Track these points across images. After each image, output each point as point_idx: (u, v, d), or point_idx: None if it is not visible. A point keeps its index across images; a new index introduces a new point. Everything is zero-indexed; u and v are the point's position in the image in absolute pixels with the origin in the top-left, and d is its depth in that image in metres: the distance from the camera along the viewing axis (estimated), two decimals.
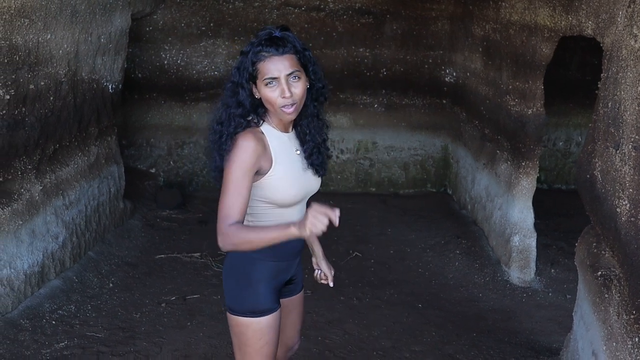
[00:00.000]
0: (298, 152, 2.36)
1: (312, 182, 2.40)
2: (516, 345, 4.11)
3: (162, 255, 5.26)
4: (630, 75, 2.56)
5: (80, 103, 4.78)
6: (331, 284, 2.55)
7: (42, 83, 4.18)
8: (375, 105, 7.15)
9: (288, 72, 2.19)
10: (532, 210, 5.01)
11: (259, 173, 2.23)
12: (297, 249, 2.45)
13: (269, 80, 2.19)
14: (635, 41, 2.53)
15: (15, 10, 3.71)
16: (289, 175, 2.29)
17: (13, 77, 3.81)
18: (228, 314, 2.40)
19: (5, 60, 3.70)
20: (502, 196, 5.30)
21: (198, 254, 5.31)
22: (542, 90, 4.74)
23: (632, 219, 2.38)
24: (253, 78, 2.22)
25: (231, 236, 2.13)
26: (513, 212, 5.04)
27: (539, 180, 7.43)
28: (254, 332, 2.35)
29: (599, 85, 3.21)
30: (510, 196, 5.09)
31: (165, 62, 6.79)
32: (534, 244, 5.00)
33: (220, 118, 2.28)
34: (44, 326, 3.93)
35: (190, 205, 6.53)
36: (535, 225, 5.07)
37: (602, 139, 3.00)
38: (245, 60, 2.23)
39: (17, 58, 3.82)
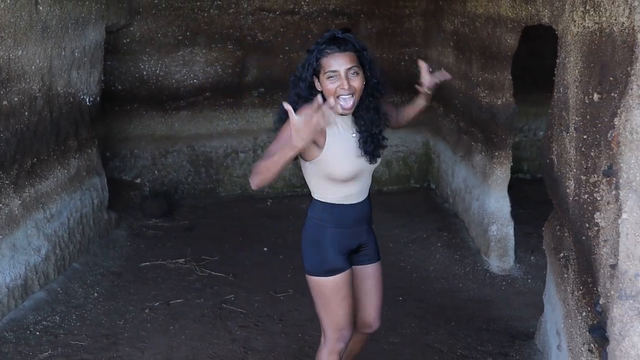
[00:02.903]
0: (354, 135, 2.65)
1: (363, 165, 2.68)
2: (494, 332, 4.18)
3: (147, 263, 5.31)
4: (572, 59, 2.63)
5: (56, 117, 4.84)
6: (449, 76, 3.03)
7: (16, 99, 4.24)
8: None
9: (348, 67, 2.50)
10: (507, 199, 5.07)
11: (316, 146, 2.51)
12: (357, 218, 2.77)
13: (330, 74, 2.50)
14: (574, 26, 2.60)
15: None
16: (341, 152, 2.58)
17: None
18: (308, 276, 2.77)
19: None
20: (478, 187, 5.37)
21: (182, 259, 5.37)
22: (510, 81, 4.82)
23: (576, 198, 2.44)
24: (316, 72, 2.54)
25: (253, 170, 2.46)
26: (489, 202, 5.11)
27: (521, 170, 7.52)
28: (331, 289, 2.72)
29: (555, 72, 3.29)
30: (486, 186, 5.16)
31: (145, 72, 6.85)
32: (511, 232, 5.06)
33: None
34: (27, 337, 3.99)
35: (176, 213, 6.59)
36: (518, 214, 5.12)
37: (557, 124, 3.07)
38: (310, 57, 2.55)
39: None
